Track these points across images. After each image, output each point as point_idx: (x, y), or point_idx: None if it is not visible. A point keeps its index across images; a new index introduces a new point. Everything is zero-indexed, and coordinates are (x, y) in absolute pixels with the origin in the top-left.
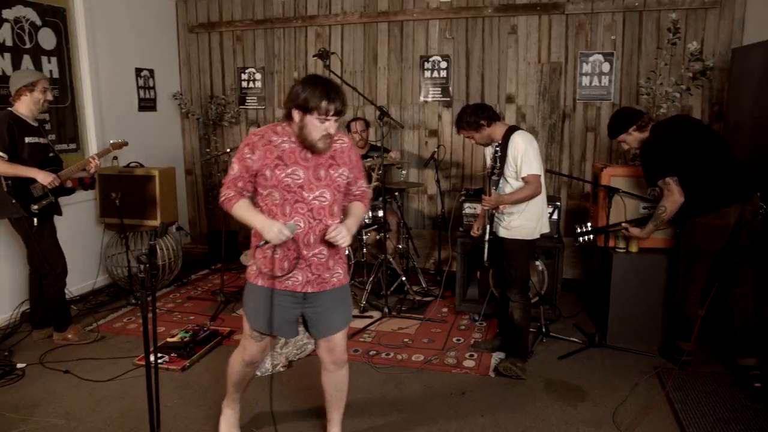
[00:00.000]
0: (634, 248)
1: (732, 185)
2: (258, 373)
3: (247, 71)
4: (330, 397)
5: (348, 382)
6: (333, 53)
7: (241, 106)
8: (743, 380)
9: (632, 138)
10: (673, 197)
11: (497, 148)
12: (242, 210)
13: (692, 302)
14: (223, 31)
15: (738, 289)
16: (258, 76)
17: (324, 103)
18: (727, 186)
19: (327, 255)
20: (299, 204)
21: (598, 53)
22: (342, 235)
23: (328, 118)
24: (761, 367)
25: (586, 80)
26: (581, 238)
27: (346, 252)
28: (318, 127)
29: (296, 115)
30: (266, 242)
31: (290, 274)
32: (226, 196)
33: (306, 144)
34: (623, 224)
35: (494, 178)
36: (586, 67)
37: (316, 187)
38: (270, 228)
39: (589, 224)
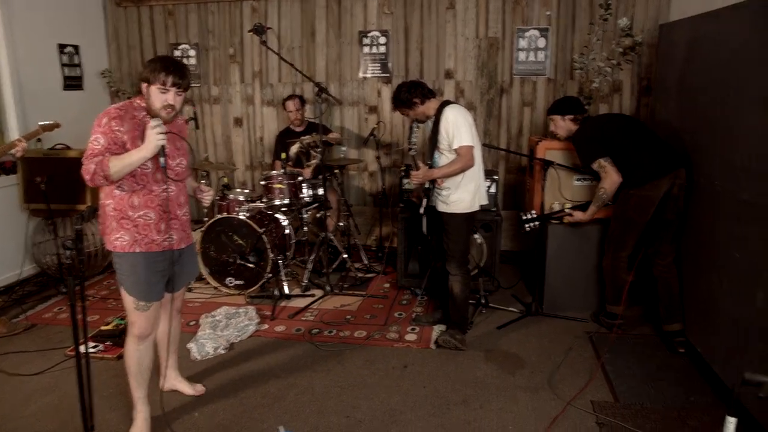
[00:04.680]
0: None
1: (662, 159)
2: (198, 357)
3: (180, 47)
4: (171, 341)
5: None
6: (269, 28)
7: None
8: (669, 345)
9: (563, 124)
10: (611, 178)
11: (415, 124)
12: (116, 160)
13: (622, 268)
14: (153, 5)
15: (662, 260)
16: (192, 52)
17: (162, 75)
18: (657, 160)
19: (189, 214)
20: (159, 171)
21: (534, 29)
22: (211, 195)
23: (167, 88)
24: (684, 332)
25: (522, 55)
26: (527, 225)
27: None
28: (159, 97)
29: (144, 87)
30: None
31: (167, 235)
32: (92, 167)
33: (152, 114)
34: (566, 209)
35: (411, 153)
36: (523, 43)
37: (177, 155)
38: (149, 141)
39: (533, 212)
